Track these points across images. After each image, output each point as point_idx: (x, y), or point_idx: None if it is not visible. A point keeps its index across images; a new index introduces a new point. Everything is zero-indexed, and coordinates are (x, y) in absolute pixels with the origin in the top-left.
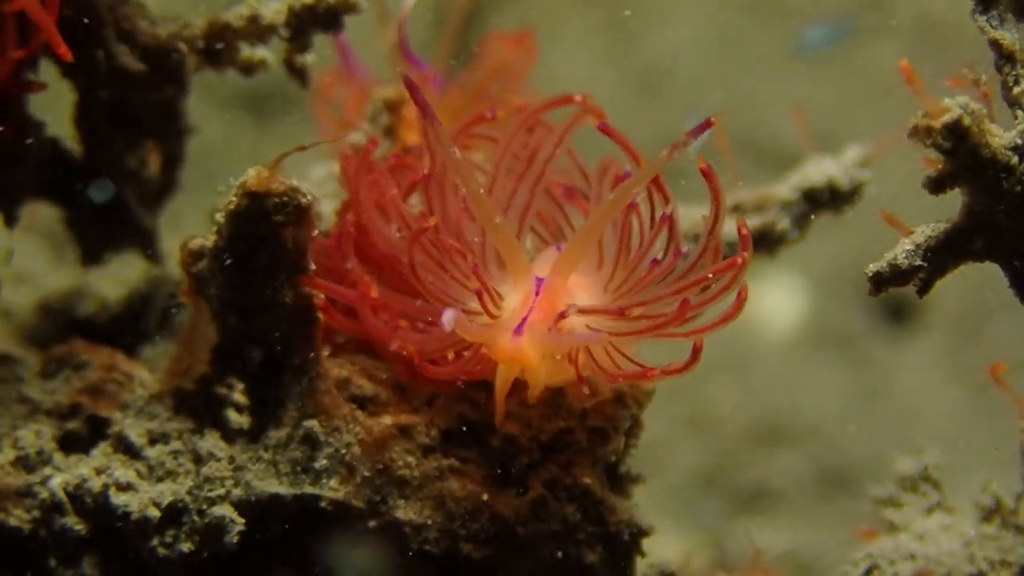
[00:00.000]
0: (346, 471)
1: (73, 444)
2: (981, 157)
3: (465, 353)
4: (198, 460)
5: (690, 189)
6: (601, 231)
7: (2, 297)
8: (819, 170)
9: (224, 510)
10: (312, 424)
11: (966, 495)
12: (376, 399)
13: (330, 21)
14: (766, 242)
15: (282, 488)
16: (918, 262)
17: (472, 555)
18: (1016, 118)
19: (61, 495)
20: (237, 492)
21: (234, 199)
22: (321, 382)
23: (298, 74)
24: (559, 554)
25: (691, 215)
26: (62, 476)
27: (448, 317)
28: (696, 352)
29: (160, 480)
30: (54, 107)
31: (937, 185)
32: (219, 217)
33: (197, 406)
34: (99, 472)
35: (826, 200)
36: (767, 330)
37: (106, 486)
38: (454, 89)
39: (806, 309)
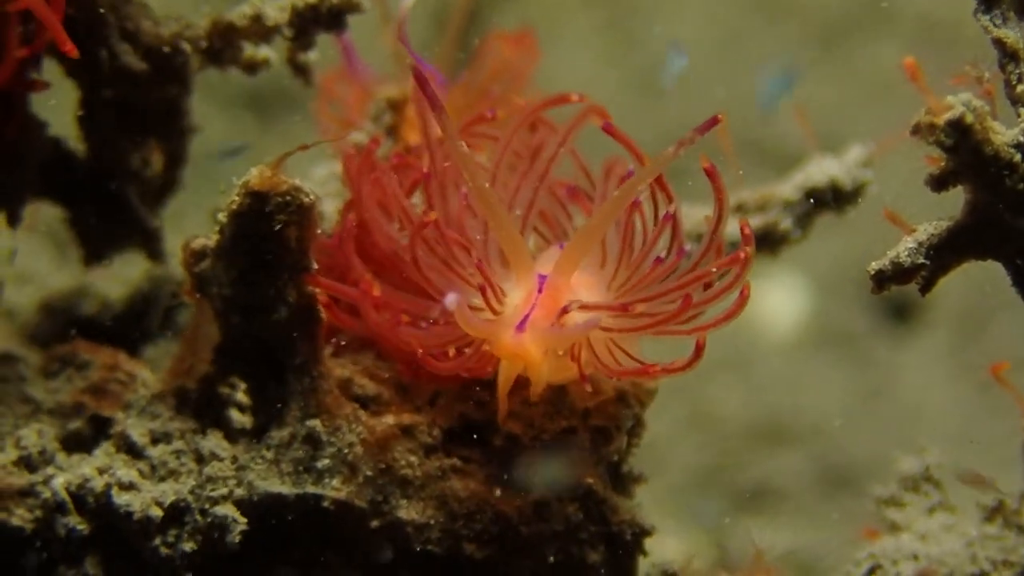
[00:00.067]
0: (348, 471)
1: (75, 444)
2: (984, 155)
3: (466, 350)
4: (200, 460)
5: (692, 189)
6: (605, 228)
7: (5, 297)
8: (821, 169)
9: (226, 510)
10: (314, 424)
11: (969, 495)
12: (378, 399)
13: (333, 21)
14: (769, 242)
15: (284, 488)
16: (920, 260)
17: (475, 555)
18: (1019, 116)
19: (63, 495)
20: (239, 492)
21: (236, 199)
22: (323, 382)
23: (301, 72)
24: (561, 554)
25: (694, 215)
26: (64, 476)
27: (451, 299)
28: (699, 349)
29: (162, 480)
30: (57, 107)
31: (940, 183)
32: (221, 217)
33: (199, 406)
34: (101, 472)
35: (829, 199)
36: (769, 329)
37: (108, 486)
38: (456, 89)
39: (808, 308)
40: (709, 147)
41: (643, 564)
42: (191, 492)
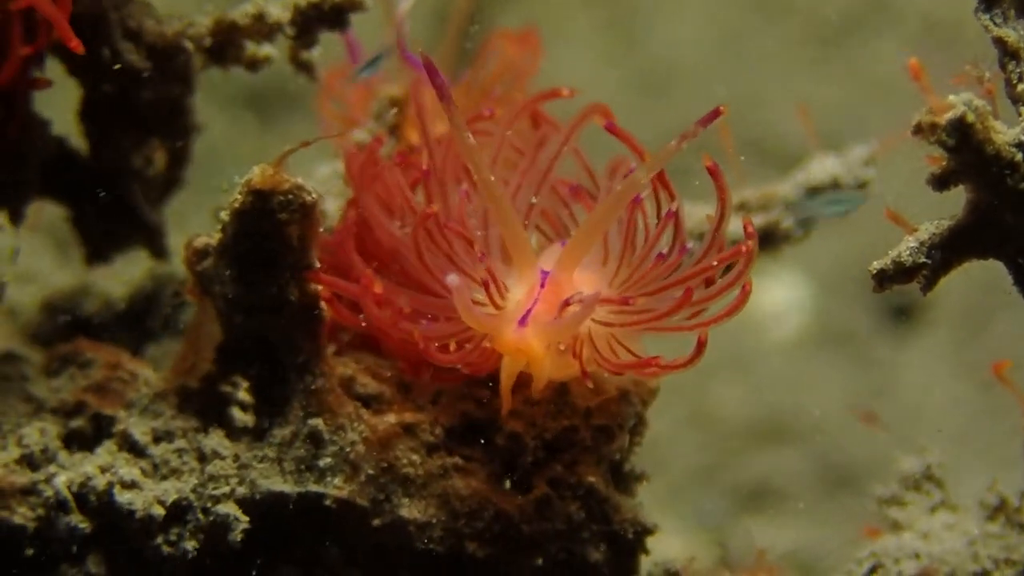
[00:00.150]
0: (350, 469)
1: (78, 442)
2: (985, 154)
3: (467, 345)
4: (202, 458)
5: (693, 188)
6: (608, 224)
7: (7, 296)
8: (823, 168)
9: (228, 508)
10: (316, 422)
11: (970, 493)
12: (380, 397)
13: (336, 19)
14: (770, 240)
15: (286, 486)
16: (922, 259)
17: (476, 553)
18: (1020, 115)
19: (66, 493)
20: (242, 490)
21: (239, 197)
22: (326, 380)
23: (304, 69)
24: (563, 553)
25: (696, 214)
26: (67, 474)
27: (452, 279)
28: (700, 346)
29: (164, 478)
30: (59, 106)
31: (941, 182)
32: (224, 215)
33: (202, 404)
34: (104, 470)
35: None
36: (771, 328)
37: (111, 484)
38: (457, 88)
39: (810, 307)
40: (711, 146)
41: (645, 563)
42: (193, 491)
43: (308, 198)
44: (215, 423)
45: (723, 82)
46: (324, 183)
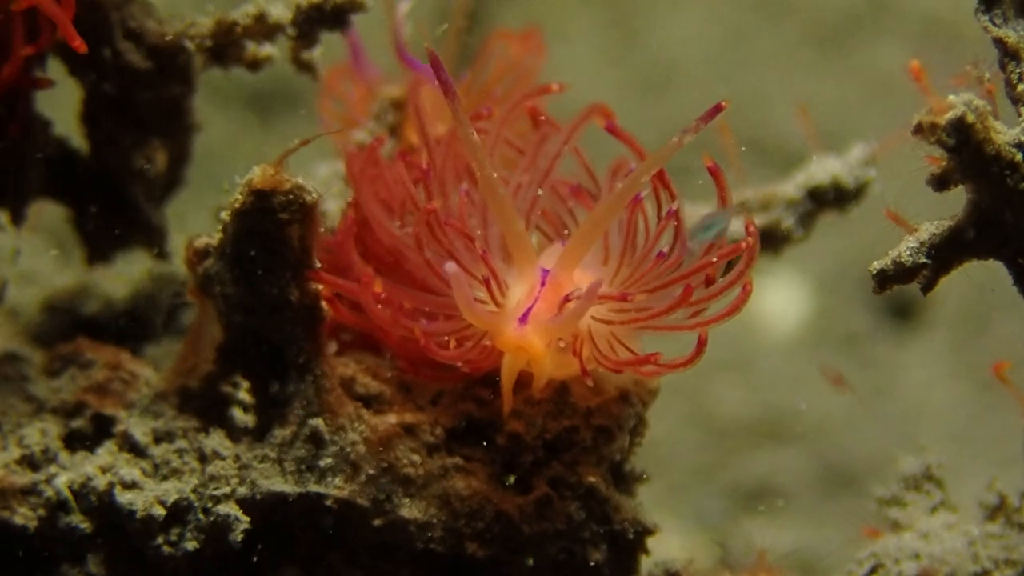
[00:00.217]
0: (351, 469)
1: (78, 442)
2: (985, 154)
3: (467, 343)
4: (203, 458)
5: (694, 188)
6: (609, 221)
7: (8, 296)
8: (824, 168)
9: (229, 508)
10: (317, 423)
11: (970, 493)
12: (381, 397)
13: (337, 20)
14: (771, 241)
15: (287, 486)
16: (922, 260)
17: (477, 554)
18: (1020, 115)
19: (66, 493)
20: (242, 490)
21: (240, 197)
22: (326, 380)
23: (306, 68)
24: (564, 553)
25: (696, 214)
26: (67, 474)
27: (450, 267)
28: (701, 345)
29: (165, 478)
30: (60, 106)
31: (941, 182)
32: (225, 216)
33: (202, 405)
34: (104, 470)
35: (831, 199)
36: (771, 328)
37: (111, 484)
38: (459, 88)
39: (810, 307)
40: (711, 146)
41: (645, 563)
42: (194, 491)
43: (309, 198)
44: (216, 423)
45: (724, 82)
46: (325, 183)
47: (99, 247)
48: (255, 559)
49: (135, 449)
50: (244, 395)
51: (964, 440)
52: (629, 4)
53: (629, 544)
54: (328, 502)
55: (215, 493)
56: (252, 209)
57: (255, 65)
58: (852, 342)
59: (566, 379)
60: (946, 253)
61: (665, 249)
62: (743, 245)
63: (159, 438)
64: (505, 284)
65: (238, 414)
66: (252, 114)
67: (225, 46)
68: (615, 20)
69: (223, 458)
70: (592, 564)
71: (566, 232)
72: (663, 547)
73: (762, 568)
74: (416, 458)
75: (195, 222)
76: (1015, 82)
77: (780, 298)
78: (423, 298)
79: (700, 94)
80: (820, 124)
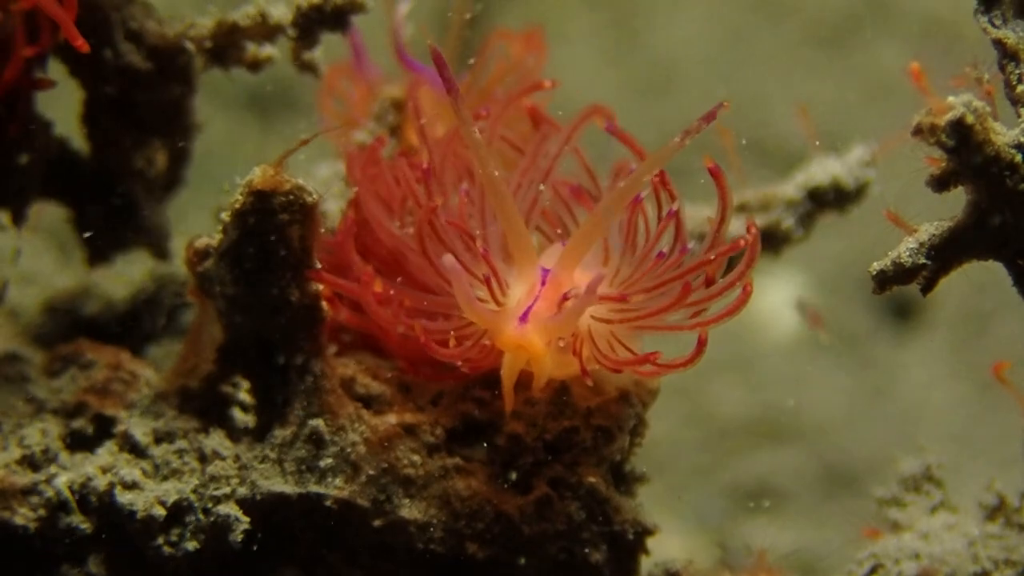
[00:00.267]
0: (351, 470)
1: (79, 443)
2: (984, 155)
3: (466, 342)
4: (203, 459)
5: (694, 190)
6: (610, 221)
7: (9, 296)
8: (824, 169)
9: (229, 509)
10: (317, 423)
11: (970, 494)
12: (381, 398)
13: (337, 21)
14: (771, 241)
15: (287, 487)
16: (922, 260)
17: (477, 554)
18: (1019, 116)
19: (67, 494)
20: (242, 491)
21: (240, 198)
22: (326, 381)
23: (308, 68)
24: (564, 553)
25: (696, 215)
26: (68, 475)
27: (448, 260)
28: (701, 345)
29: (165, 479)
30: (61, 107)
31: (941, 183)
32: (225, 216)
33: (202, 405)
34: (105, 471)
35: (831, 199)
36: (771, 329)
37: (112, 485)
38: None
39: (810, 308)
40: (712, 147)
41: (645, 563)
42: (194, 491)
43: (309, 199)
44: (216, 424)
45: (724, 82)
46: (325, 184)
47: (99, 248)
48: (255, 560)
49: (135, 449)
50: (244, 395)
51: (964, 440)
52: (629, 5)
53: (629, 544)
54: (328, 502)
55: (215, 493)
56: (252, 210)
57: (256, 66)
58: (852, 342)
59: (566, 379)
60: (946, 254)
61: (665, 249)
62: (741, 243)
63: (159, 438)
64: (506, 283)
65: (238, 414)
66: (252, 114)
67: (225, 47)
68: (615, 20)
69: (223, 458)
70: (592, 564)
71: (559, 231)
72: (663, 547)
73: (762, 568)
74: (416, 458)
75: (195, 222)
76: (1014, 83)
77: (780, 299)
78: (423, 298)
79: (700, 94)
80: (820, 125)
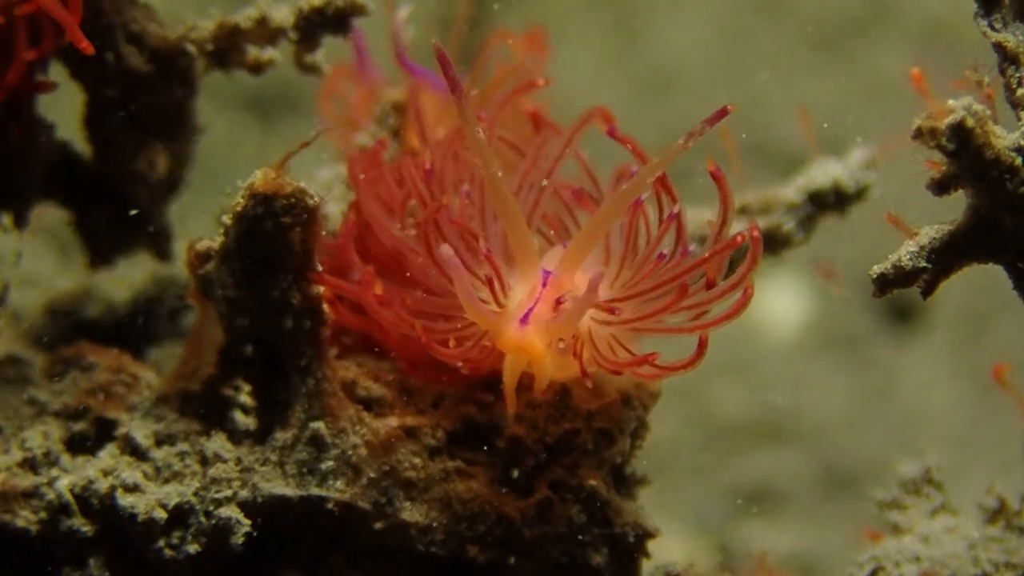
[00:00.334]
0: (352, 473)
1: (80, 445)
2: (985, 159)
3: (467, 342)
4: (205, 461)
5: (695, 192)
6: (611, 223)
7: (10, 299)
8: (824, 172)
9: (230, 511)
10: (318, 426)
11: (970, 496)
12: (382, 401)
13: (339, 24)
14: (771, 244)
15: (288, 490)
16: (922, 264)
17: (478, 557)
18: (1019, 119)
19: (68, 496)
20: (243, 493)
21: (241, 201)
22: (328, 384)
23: (311, 70)
24: (565, 556)
25: (697, 218)
26: (69, 477)
27: (444, 250)
28: (702, 347)
29: (167, 481)
30: (63, 109)
31: (941, 187)
32: (226, 219)
33: (204, 408)
34: (106, 473)
35: (831, 202)
36: (771, 331)
37: (113, 487)
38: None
39: (810, 310)
40: (713, 149)
41: (646, 566)
42: (195, 494)
43: (310, 201)
44: (217, 426)
45: (725, 85)
46: (326, 186)
47: (101, 250)
48: (256, 562)
49: (137, 452)
50: (245, 398)
51: (964, 443)
52: (630, 7)
53: (630, 547)
54: (329, 505)
55: (217, 496)
56: (253, 212)
57: (257, 69)
58: (852, 345)
59: (567, 382)
60: (946, 257)
61: (666, 252)
62: (739, 239)
63: (161, 441)
64: (507, 285)
65: (239, 417)
66: (253, 117)
67: (227, 50)
68: (616, 23)
69: (224, 461)
70: (593, 567)
71: (552, 233)
72: (664, 550)
73: (763, 570)
74: (417, 461)
75: (196, 225)
76: (1014, 86)
77: (781, 301)
78: (424, 299)
79: (701, 97)
80: (820, 127)
